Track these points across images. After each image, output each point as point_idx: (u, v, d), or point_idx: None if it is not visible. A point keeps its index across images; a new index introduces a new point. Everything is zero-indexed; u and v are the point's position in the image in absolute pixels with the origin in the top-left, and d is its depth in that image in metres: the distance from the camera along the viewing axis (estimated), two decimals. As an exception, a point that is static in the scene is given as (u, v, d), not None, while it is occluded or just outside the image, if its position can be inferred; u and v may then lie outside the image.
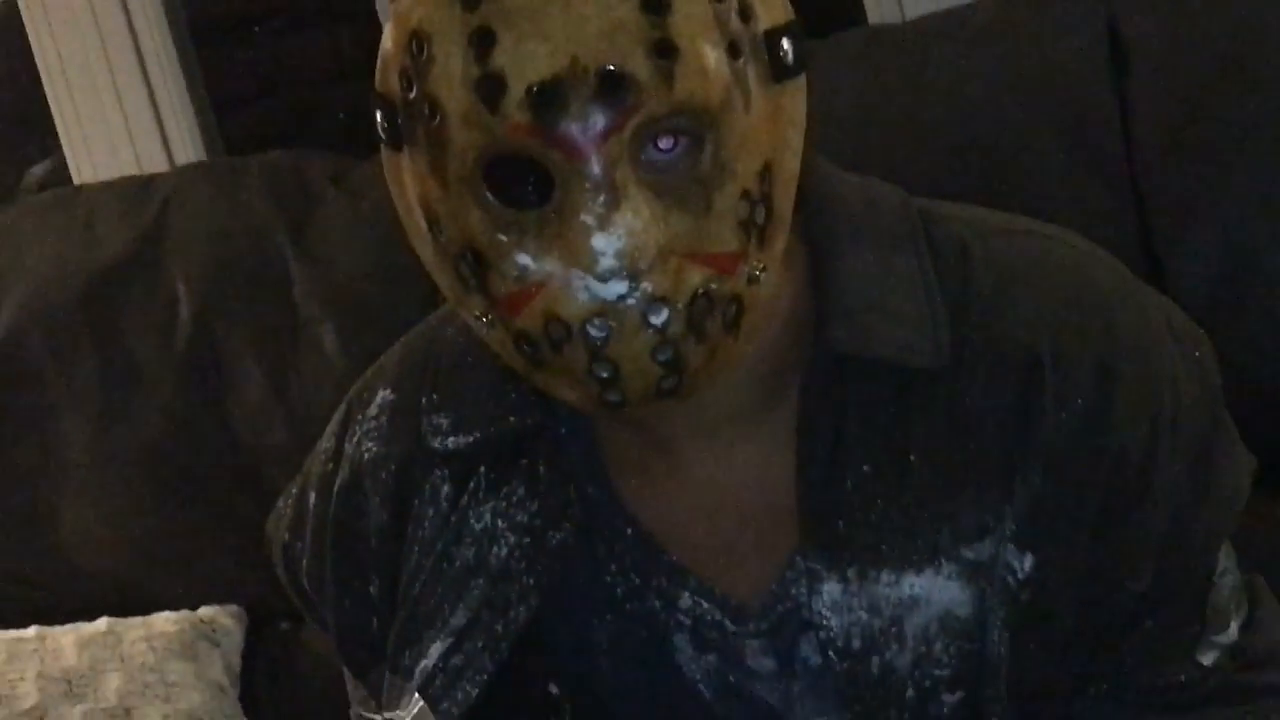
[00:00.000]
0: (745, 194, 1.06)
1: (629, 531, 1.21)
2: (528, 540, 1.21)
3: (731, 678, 1.21)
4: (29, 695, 2.04)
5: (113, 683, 2.07)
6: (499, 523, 1.22)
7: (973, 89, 2.01)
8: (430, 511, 1.24)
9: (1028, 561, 1.15)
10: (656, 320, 1.04)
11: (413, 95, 1.05)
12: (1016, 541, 1.15)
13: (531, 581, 1.20)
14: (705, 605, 1.20)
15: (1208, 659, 1.21)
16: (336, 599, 1.29)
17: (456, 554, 1.23)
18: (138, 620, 2.18)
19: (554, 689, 1.24)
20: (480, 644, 1.21)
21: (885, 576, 1.15)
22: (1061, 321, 1.16)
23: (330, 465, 1.30)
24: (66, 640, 2.13)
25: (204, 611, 2.21)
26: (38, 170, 2.75)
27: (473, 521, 1.22)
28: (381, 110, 1.09)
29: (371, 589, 1.27)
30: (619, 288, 1.03)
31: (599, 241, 1.02)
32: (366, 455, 1.27)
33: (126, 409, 2.25)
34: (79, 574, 2.27)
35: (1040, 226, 1.25)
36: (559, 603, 1.21)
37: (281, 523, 1.34)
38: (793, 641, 1.19)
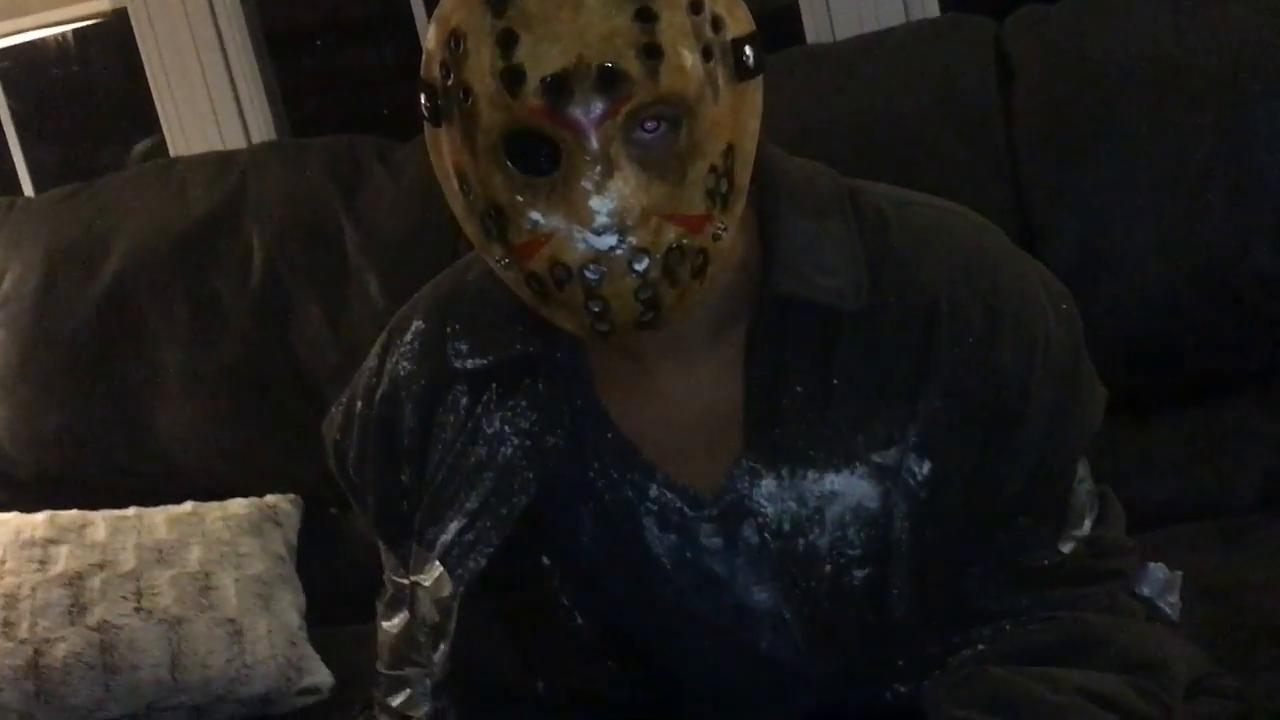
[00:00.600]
0: (712, 168, 1.05)
1: (610, 436, 1.20)
2: (529, 442, 1.20)
3: (688, 553, 1.20)
4: (128, 561, 2.02)
5: (195, 553, 2.05)
6: (506, 428, 1.21)
7: (889, 95, 2.00)
8: (451, 418, 1.23)
9: (926, 467, 1.15)
10: (639, 267, 1.03)
11: (450, 82, 1.05)
12: (917, 451, 1.15)
13: (531, 475, 1.20)
14: (669, 495, 1.19)
15: (1067, 548, 1.21)
16: (376, 485, 1.28)
17: (471, 452, 1.22)
18: (216, 504, 2.16)
19: (546, 560, 1.24)
20: (489, 523, 1.20)
21: (811, 475, 1.15)
22: (957, 276, 1.16)
23: (374, 379, 1.29)
24: (159, 519, 2.11)
25: (269, 498, 2.19)
26: (142, 146, 2.71)
27: (485, 426, 1.21)
28: (425, 94, 1.09)
29: (404, 477, 1.26)
30: (610, 240, 1.02)
31: (595, 203, 1.01)
32: (402, 372, 1.26)
33: (211, 338, 2.21)
34: (171, 467, 2.24)
35: (943, 202, 1.24)
36: (552, 492, 1.20)
37: (333, 425, 1.33)
38: (737, 525, 1.18)
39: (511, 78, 1.00)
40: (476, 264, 1.25)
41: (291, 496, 2.21)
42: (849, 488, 1.15)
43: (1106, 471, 1.29)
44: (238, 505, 2.16)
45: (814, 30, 2.33)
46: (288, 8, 2.72)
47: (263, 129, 2.57)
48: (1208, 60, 1.88)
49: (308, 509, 2.22)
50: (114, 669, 1.90)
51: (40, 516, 2.11)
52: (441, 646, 1.22)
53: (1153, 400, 1.95)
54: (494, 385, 1.22)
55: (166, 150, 2.58)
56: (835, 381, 1.14)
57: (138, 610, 1.95)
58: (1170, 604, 1.28)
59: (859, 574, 1.17)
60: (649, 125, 1.03)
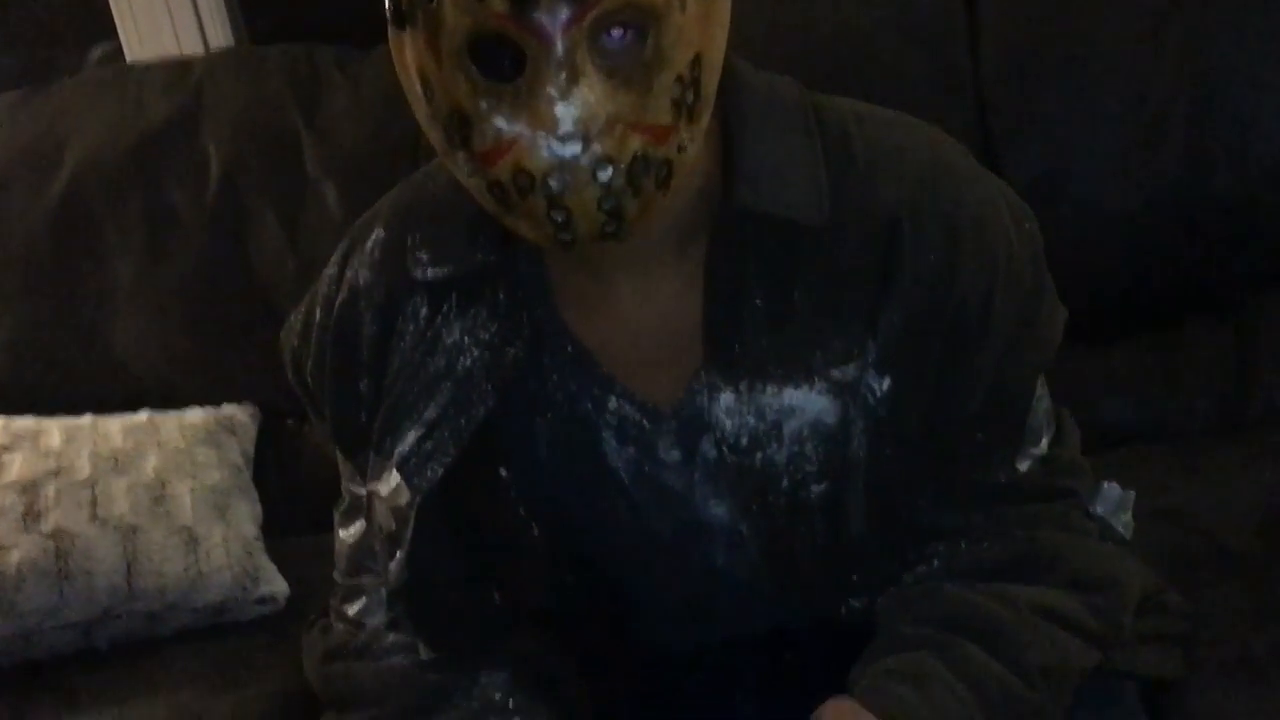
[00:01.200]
0: (679, 79, 1.04)
1: (569, 348, 1.20)
2: (488, 354, 1.19)
3: (646, 467, 1.21)
4: (84, 469, 2.01)
5: (151, 462, 2.04)
6: (465, 339, 1.20)
7: (852, 16, 1.99)
8: (411, 327, 1.22)
9: (885, 383, 1.15)
10: (603, 176, 1.02)
11: None
12: (877, 367, 1.15)
13: (489, 386, 1.19)
14: (628, 408, 1.19)
15: (1023, 466, 1.22)
16: (333, 393, 1.27)
17: (430, 362, 1.21)
18: (172, 413, 2.15)
19: (503, 472, 1.23)
20: (447, 433, 1.19)
21: (770, 389, 1.15)
22: (920, 193, 1.15)
23: (333, 288, 1.27)
24: (114, 427, 2.10)
25: (225, 408, 2.18)
26: (97, 51, 2.67)
27: (444, 337, 1.20)
28: None
29: (361, 386, 1.25)
30: (574, 148, 1.01)
31: (560, 110, 1.00)
32: (362, 280, 1.25)
33: (167, 247, 2.19)
34: (126, 376, 2.23)
35: (908, 117, 1.23)
36: (511, 404, 1.20)
37: (291, 333, 1.32)
38: (695, 439, 1.18)
39: None
40: (438, 173, 1.24)
41: (248, 406, 2.20)
42: (807, 403, 1.15)
43: (1065, 394, 1.30)
44: (194, 415, 2.15)
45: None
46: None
47: (220, 36, 2.52)
48: (1174, -12, 1.88)
49: (264, 419, 2.21)
50: (69, 576, 1.89)
51: (-7, 423, 2.09)
52: (397, 555, 1.22)
53: (1112, 324, 1.96)
54: (454, 295, 1.21)
55: (123, 56, 2.54)
56: (795, 296, 1.14)
57: (93, 518, 1.94)
58: (1123, 523, 1.29)
59: (816, 490, 1.17)
60: (615, 33, 1.01)
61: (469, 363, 1.19)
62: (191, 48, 2.50)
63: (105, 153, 2.21)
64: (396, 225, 1.25)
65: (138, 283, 2.20)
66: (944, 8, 1.96)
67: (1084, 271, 1.86)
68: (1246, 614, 1.48)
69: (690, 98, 1.05)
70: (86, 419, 2.11)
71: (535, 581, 1.28)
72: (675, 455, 1.19)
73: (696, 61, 1.05)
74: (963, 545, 1.20)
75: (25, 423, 2.10)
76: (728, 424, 1.16)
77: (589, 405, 1.20)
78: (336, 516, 1.37)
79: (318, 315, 1.28)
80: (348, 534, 1.35)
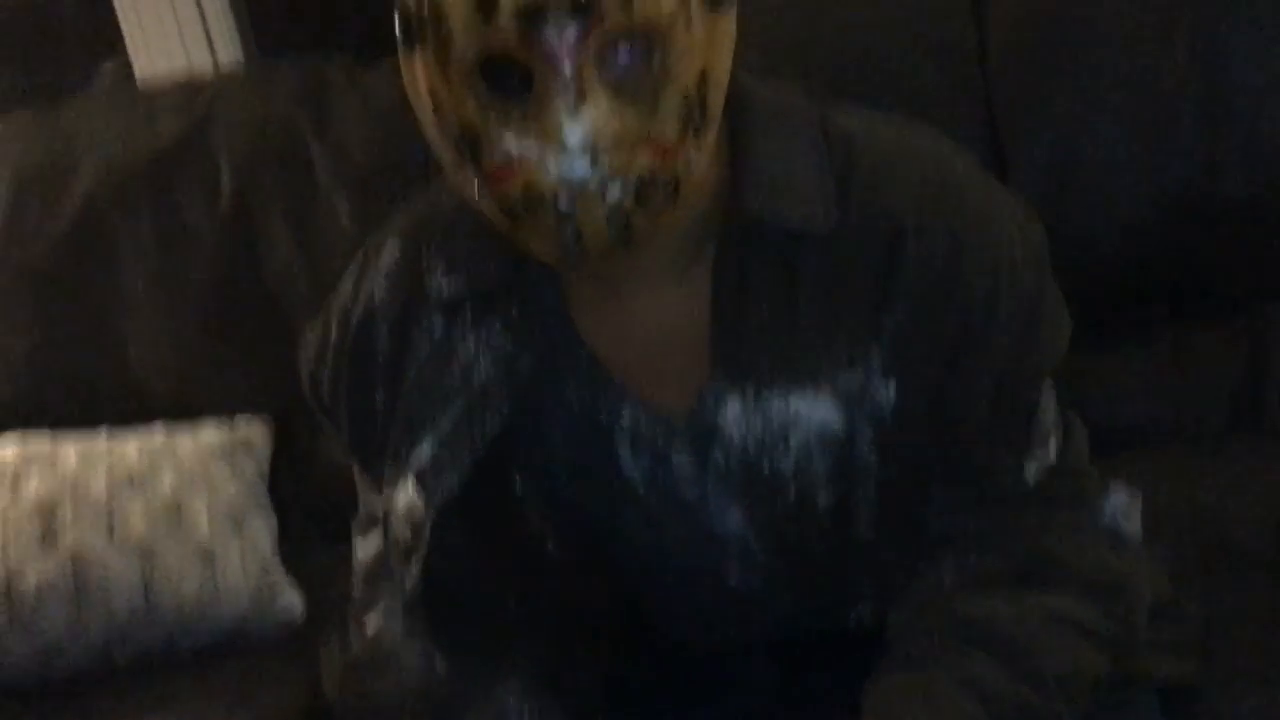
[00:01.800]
0: (685, 96, 1.06)
1: (583, 358, 1.22)
2: (501, 365, 1.21)
3: (660, 477, 1.22)
4: (100, 489, 2.03)
5: (167, 480, 2.06)
6: (479, 351, 1.22)
7: (860, 22, 2.01)
8: (426, 340, 1.24)
9: (891, 389, 1.16)
10: (612, 193, 1.05)
11: (424, 7, 1.05)
12: (883, 373, 1.16)
13: (504, 397, 1.21)
14: (642, 418, 1.21)
15: (1031, 472, 1.23)
16: (349, 407, 1.29)
17: (445, 374, 1.23)
18: (187, 431, 2.18)
19: (518, 482, 1.25)
20: (462, 444, 1.21)
21: (776, 396, 1.17)
22: (923, 199, 1.17)
23: (349, 303, 1.29)
24: (130, 445, 2.12)
25: (240, 421, 2.20)
26: (106, 68, 2.70)
27: (459, 349, 1.23)
28: (400, 16, 1.09)
29: (377, 399, 1.27)
30: (583, 165, 1.03)
31: (568, 127, 1.02)
32: (378, 295, 1.27)
33: (180, 262, 2.22)
34: (141, 390, 2.25)
35: (914, 125, 1.25)
36: (526, 414, 1.22)
37: (308, 348, 1.34)
38: (707, 447, 1.20)
39: (485, 2, 1.01)
40: (450, 189, 1.27)
41: (263, 419, 2.22)
42: (813, 409, 1.17)
43: (1074, 395, 1.31)
44: (209, 432, 2.17)
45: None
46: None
47: (230, 50, 2.56)
48: (1181, -18, 1.89)
49: (279, 432, 2.23)
50: (86, 597, 1.92)
51: (9, 444, 2.12)
52: (413, 565, 1.24)
53: (1122, 323, 1.96)
54: (468, 309, 1.23)
55: (131, 73, 2.57)
56: (800, 303, 1.16)
57: (110, 539, 1.97)
58: (1132, 526, 1.30)
59: (823, 497, 1.19)
60: (622, 52, 1.04)
61: (483, 374, 1.22)
62: (200, 62, 2.54)
63: (118, 169, 2.24)
64: (411, 240, 1.27)
65: (152, 297, 2.23)
66: (950, 10, 1.98)
67: (1095, 272, 1.89)
68: (1264, 616, 1.49)
69: (697, 114, 1.07)
70: (102, 438, 2.14)
71: (550, 590, 1.30)
72: (689, 465, 1.21)
73: (702, 78, 1.07)
74: (972, 553, 1.21)
75: (41, 443, 2.12)
76: (735, 432, 1.18)
77: (603, 415, 1.22)
78: (354, 529, 1.39)
79: (334, 330, 1.30)
80: (365, 547, 1.37)
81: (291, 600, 1.98)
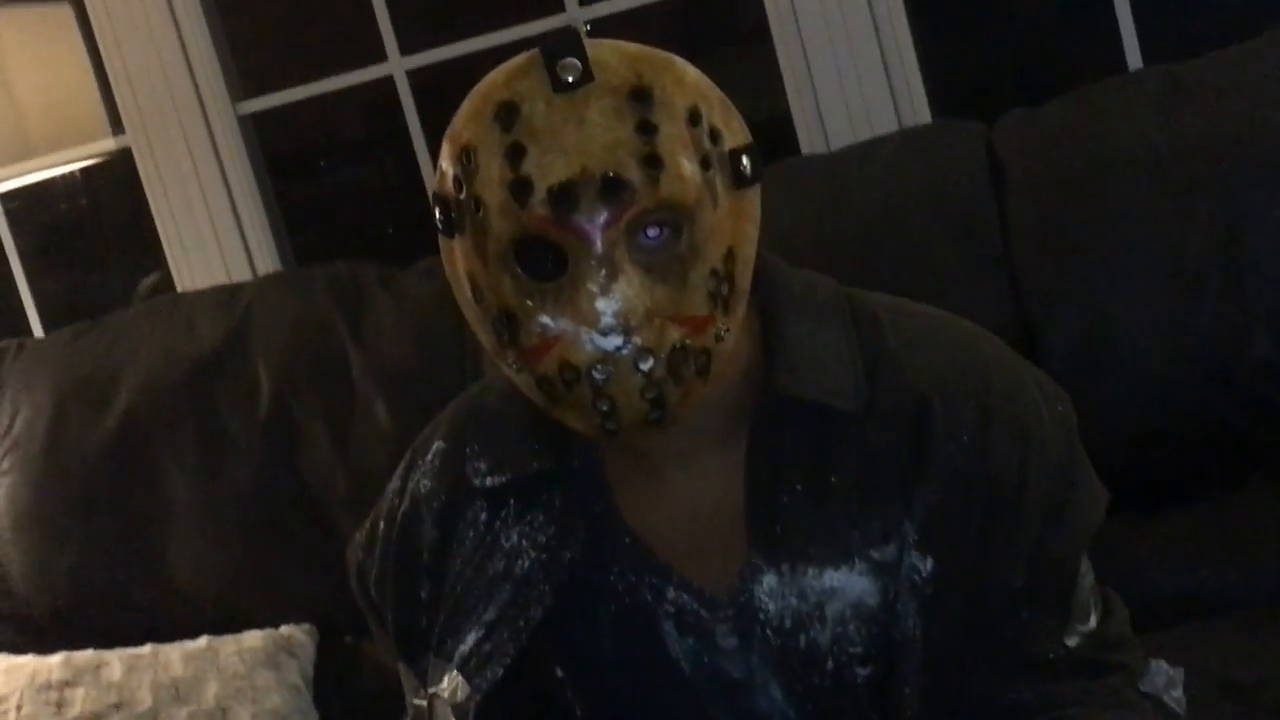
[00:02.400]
0: (713, 272, 1.12)
1: (627, 540, 1.25)
2: (545, 556, 1.25)
3: (706, 656, 1.24)
4: (145, 700, 2.05)
5: (212, 689, 2.08)
6: (523, 542, 1.26)
7: (883, 202, 2.06)
8: (470, 533, 1.28)
9: (929, 563, 1.19)
10: (644, 367, 1.10)
11: (463, 195, 1.12)
12: (918, 547, 1.19)
13: (547, 587, 1.24)
14: (686, 597, 1.23)
15: (1072, 642, 1.24)
16: (395, 602, 1.32)
17: (490, 565, 1.26)
18: (230, 637, 2.19)
19: (560, 671, 1.27)
20: (506, 634, 1.24)
21: (811, 571, 1.19)
22: (950, 375, 1.21)
23: (396, 500, 1.34)
24: (175, 655, 2.14)
25: (284, 629, 2.22)
26: (148, 281, 2.79)
27: (503, 541, 1.26)
28: (439, 207, 1.16)
29: (422, 593, 1.30)
30: (616, 341, 1.09)
31: (601, 305, 1.08)
32: (423, 489, 1.31)
33: (220, 467, 2.27)
34: (184, 600, 2.28)
35: (936, 310, 1.30)
36: (570, 601, 1.24)
37: (357, 547, 1.38)
38: (750, 624, 1.22)
39: (520, 188, 1.08)
40: (493, 386, 1.32)
41: (306, 626, 2.24)
42: (848, 584, 1.19)
43: (1117, 566, 1.32)
44: (253, 637, 2.19)
45: (807, 140, 2.42)
46: (287, 133, 2.81)
47: (266, 256, 2.64)
48: (1199, 152, 1.94)
49: (323, 638, 2.25)
50: (134, 808, 1.93)
51: (56, 658, 2.14)
52: (459, 752, 1.26)
53: (1162, 492, 1.97)
54: (512, 501, 1.27)
55: (172, 284, 2.65)
56: (833, 479, 1.20)
57: (157, 748, 1.98)
58: (1175, 699, 1.30)
59: (861, 671, 1.21)
60: (651, 231, 1.10)
61: (526, 565, 1.25)
62: (238, 269, 2.63)
63: (159, 380, 2.30)
64: (455, 436, 1.32)
65: (193, 506, 2.27)
66: (971, 184, 2.03)
67: (1129, 440, 1.90)
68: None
69: (725, 289, 1.13)
70: (147, 649, 2.16)
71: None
72: (733, 642, 1.23)
73: (729, 255, 1.13)
74: None
75: (86, 655, 2.14)
76: (771, 606, 1.20)
77: (648, 595, 1.24)
78: (401, 731, 1.41)
79: (381, 527, 1.34)
80: (413, 749, 1.38)
81: (339, 807, 1.98)
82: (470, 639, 1.26)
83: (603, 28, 2.46)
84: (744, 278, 1.16)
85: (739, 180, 1.15)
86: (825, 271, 1.31)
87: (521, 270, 1.11)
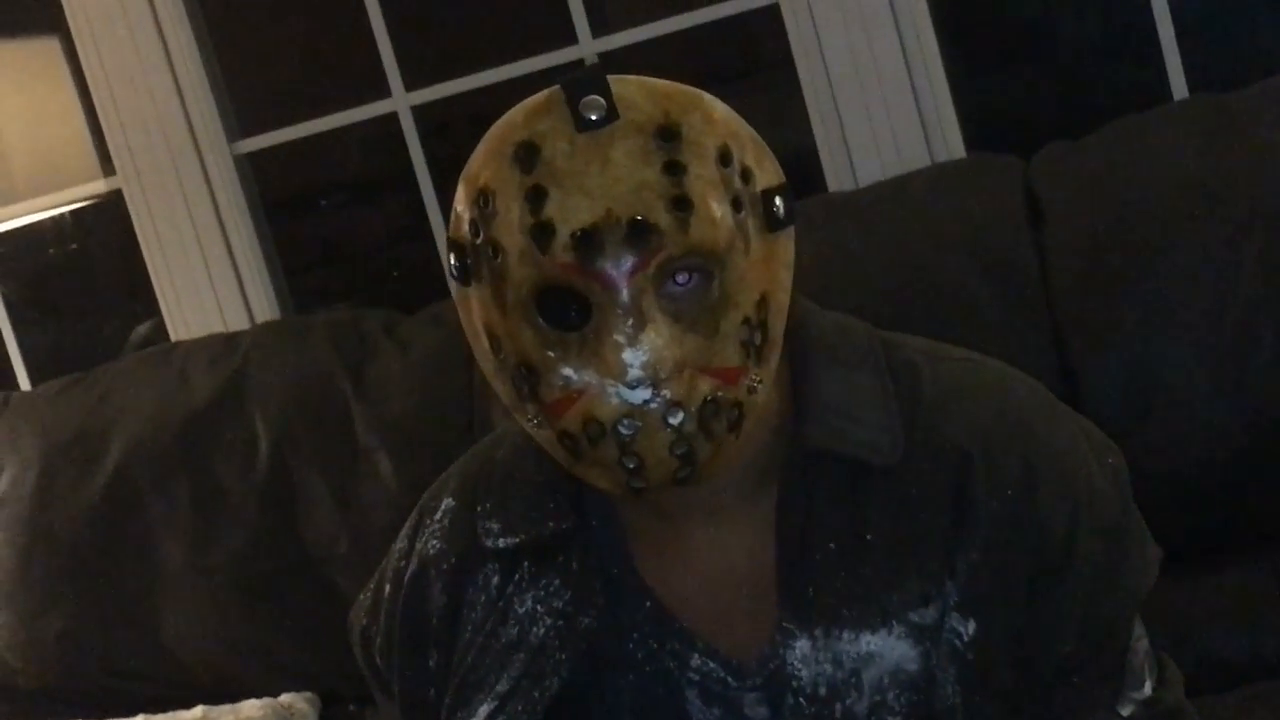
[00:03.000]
0: (746, 320, 1.11)
1: (647, 604, 1.24)
2: (561, 623, 1.23)
3: (733, 725, 1.23)
4: (137, 772, 2.05)
5: (207, 761, 2.08)
6: (538, 608, 1.24)
7: (915, 242, 2.06)
8: (482, 597, 1.27)
9: (971, 627, 1.17)
10: (674, 421, 1.09)
11: (479, 240, 1.11)
12: (960, 610, 1.18)
13: (563, 656, 1.23)
14: (711, 665, 1.22)
15: (1126, 710, 1.23)
16: (401, 671, 1.31)
17: (503, 632, 1.25)
18: (228, 707, 2.19)
19: None
20: (520, 707, 1.23)
21: (846, 635, 1.18)
22: (992, 429, 1.20)
23: (402, 562, 1.32)
24: (169, 725, 2.15)
25: (284, 698, 2.22)
26: (140, 329, 2.79)
27: (516, 606, 1.25)
28: (454, 252, 1.15)
29: (431, 662, 1.29)
30: (644, 394, 1.08)
31: (628, 356, 1.07)
32: (432, 550, 1.30)
33: (216, 528, 2.26)
34: (179, 669, 2.28)
35: (975, 355, 1.29)
36: (589, 668, 1.23)
37: (361, 610, 1.37)
38: (780, 693, 1.20)
39: (541, 233, 1.07)
40: (506, 440, 1.31)
41: (307, 695, 2.23)
42: (886, 648, 1.18)
43: (1172, 626, 1.32)
44: (251, 707, 2.18)
45: (834, 176, 2.41)
46: (285, 173, 2.82)
47: (264, 303, 2.64)
48: (1248, 185, 1.94)
49: (325, 707, 2.24)
50: None
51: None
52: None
53: (1214, 547, 1.96)
54: (525, 564, 1.26)
55: (166, 333, 2.65)
56: (868, 537, 1.18)
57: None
58: None
59: (903, 740, 1.19)
60: (680, 277, 1.09)
61: (542, 632, 1.24)
62: (235, 316, 2.62)
63: (151, 436, 2.30)
64: (466, 494, 1.31)
65: (187, 569, 2.26)
66: (1008, 221, 2.03)
67: (1181, 491, 1.89)
68: None
69: (758, 339, 1.12)
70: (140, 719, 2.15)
71: None
72: (763, 713, 1.21)
73: (763, 302, 1.12)
74: None
75: (77, 727, 2.14)
76: (804, 673, 1.18)
77: (671, 663, 1.23)
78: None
79: (387, 590, 1.33)
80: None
81: None
82: (482, 711, 1.25)
83: (615, 58, 2.47)
84: (777, 326, 1.15)
85: (772, 222, 1.14)
86: (856, 317, 1.29)
87: (543, 320, 1.10)
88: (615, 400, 1.08)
